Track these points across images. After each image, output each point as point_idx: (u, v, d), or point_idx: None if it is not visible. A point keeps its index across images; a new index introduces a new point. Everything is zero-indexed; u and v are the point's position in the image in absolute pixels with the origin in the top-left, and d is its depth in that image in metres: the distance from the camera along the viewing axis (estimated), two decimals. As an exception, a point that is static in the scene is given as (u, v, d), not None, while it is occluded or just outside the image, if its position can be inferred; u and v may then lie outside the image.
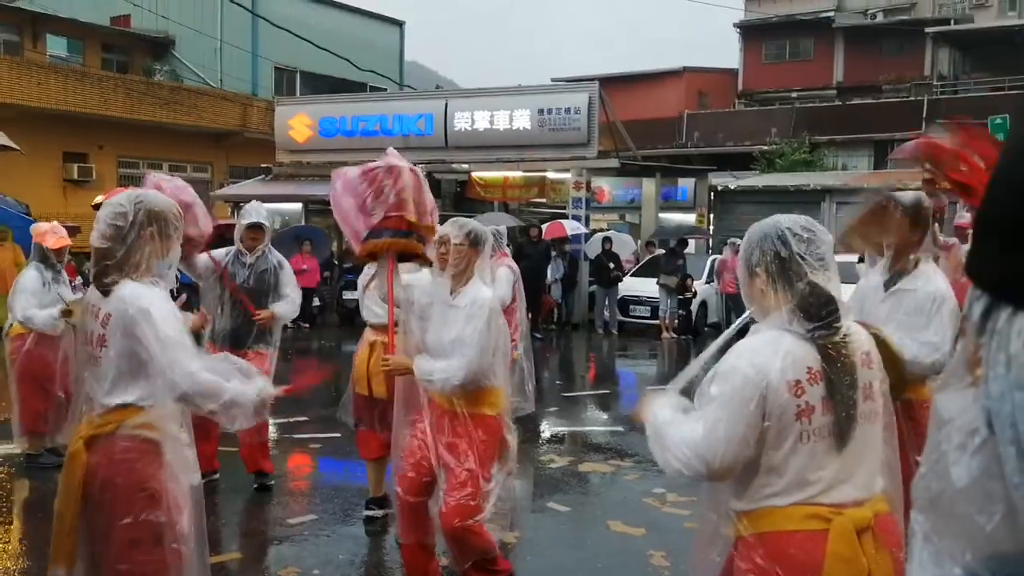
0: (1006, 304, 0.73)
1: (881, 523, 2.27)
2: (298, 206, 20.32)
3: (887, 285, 3.78)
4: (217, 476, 6.23)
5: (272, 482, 6.30)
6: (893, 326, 3.45)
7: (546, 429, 8.68)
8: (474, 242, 4.10)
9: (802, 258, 2.29)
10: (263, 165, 21.63)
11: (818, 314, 2.27)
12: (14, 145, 15.96)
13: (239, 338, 5.99)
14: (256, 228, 6.18)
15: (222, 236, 6.83)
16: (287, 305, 6.23)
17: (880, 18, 33.60)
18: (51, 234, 6.59)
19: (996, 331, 0.73)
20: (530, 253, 15.72)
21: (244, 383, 2.98)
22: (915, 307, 3.64)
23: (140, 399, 2.89)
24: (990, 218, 0.76)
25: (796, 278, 2.29)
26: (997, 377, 0.73)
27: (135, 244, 2.94)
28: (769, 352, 2.25)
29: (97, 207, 12.95)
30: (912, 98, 28.05)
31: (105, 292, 2.94)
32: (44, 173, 20.28)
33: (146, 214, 2.97)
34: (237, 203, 21.52)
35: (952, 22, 31.48)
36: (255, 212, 6.24)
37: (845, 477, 2.25)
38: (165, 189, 4.79)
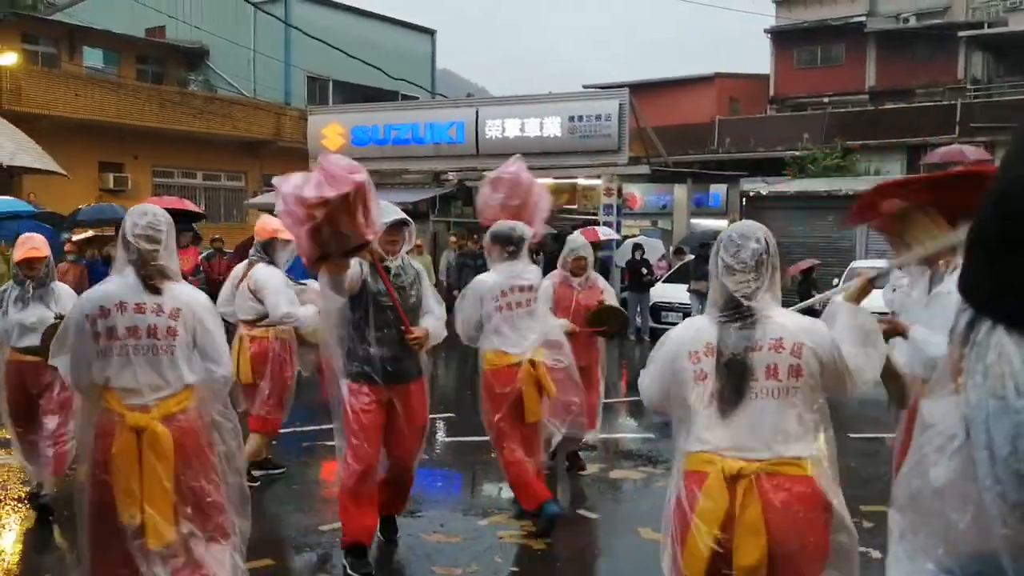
0: (987, 318, 0.77)
1: (773, 481, 2.79)
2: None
3: (928, 290, 3.82)
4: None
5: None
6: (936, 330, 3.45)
7: (577, 436, 8.65)
8: None
9: (725, 263, 2.92)
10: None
11: (724, 305, 2.91)
12: (61, 170, 16.26)
13: (401, 369, 4.80)
14: (396, 228, 4.86)
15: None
16: (435, 321, 5.00)
17: (912, 22, 33.25)
18: (18, 248, 5.60)
19: (977, 343, 0.77)
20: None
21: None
22: (950, 310, 3.69)
23: (194, 380, 3.56)
24: (978, 237, 0.80)
25: (717, 277, 2.94)
26: (975, 386, 0.78)
27: (169, 249, 3.59)
28: (683, 329, 3.05)
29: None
30: (945, 102, 27.73)
31: (157, 291, 3.51)
32: (81, 183, 20.60)
33: (170, 225, 3.60)
34: (271, 211, 21.73)
35: (986, 25, 31.10)
36: (391, 209, 4.87)
37: (730, 436, 2.84)
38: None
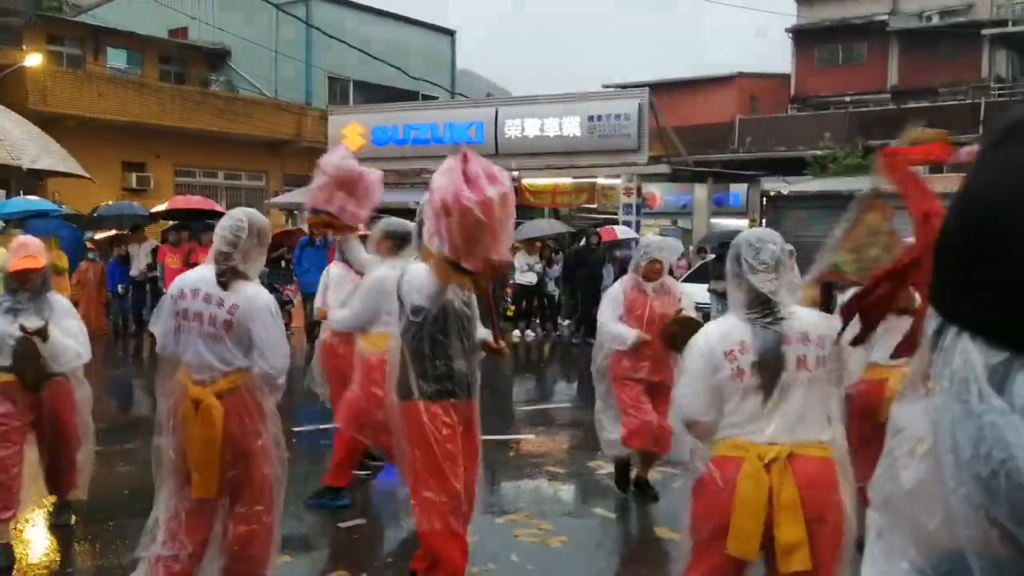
0: (953, 325, 0.80)
1: (799, 462, 3.04)
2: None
3: None
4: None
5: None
6: None
7: (595, 435, 8.67)
8: None
9: (748, 263, 3.13)
10: (316, 173, 21.92)
11: (752, 304, 3.12)
12: (84, 173, 16.46)
13: (475, 383, 4.37)
14: None
15: (279, 244, 6.89)
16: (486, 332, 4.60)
17: (936, 20, 33.02)
18: (12, 255, 4.96)
19: (943, 348, 0.80)
20: (589, 259, 15.77)
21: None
22: None
23: (249, 365, 3.90)
24: (943, 245, 0.83)
25: (743, 278, 3.14)
26: (941, 391, 0.80)
27: (248, 253, 3.94)
28: (714, 331, 3.20)
29: (158, 215, 13.25)
30: (969, 101, 27.50)
31: (225, 287, 3.88)
32: (104, 182, 20.81)
33: (256, 233, 3.93)
34: (291, 211, 21.91)
35: (1010, 23, 30.82)
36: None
37: (766, 424, 3.05)
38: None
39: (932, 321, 0.85)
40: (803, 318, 3.12)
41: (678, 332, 5.52)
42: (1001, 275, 0.76)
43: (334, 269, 7.03)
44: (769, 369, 3.06)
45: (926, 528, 0.81)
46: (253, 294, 3.93)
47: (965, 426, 0.76)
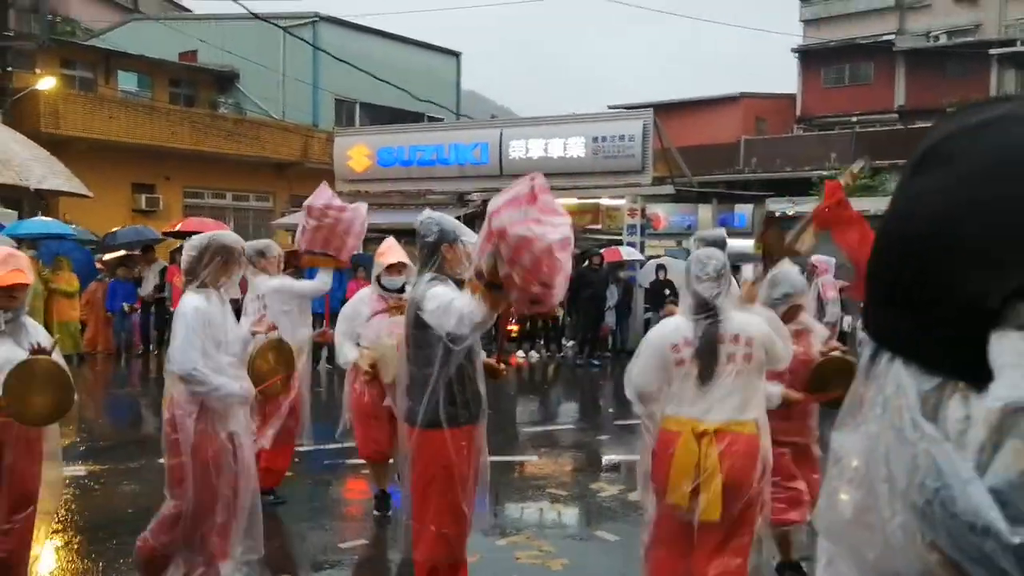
0: (886, 350, 0.80)
1: (725, 436, 3.86)
2: (357, 234, 20.64)
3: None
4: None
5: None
6: None
7: (598, 457, 8.68)
8: None
9: (695, 275, 3.92)
10: (323, 194, 22.01)
11: (697, 308, 3.91)
12: (88, 192, 16.58)
13: (479, 411, 4.25)
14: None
15: (286, 264, 6.94)
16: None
17: (943, 40, 33.07)
18: (1, 265, 4.06)
19: (876, 375, 0.80)
20: (592, 280, 15.76)
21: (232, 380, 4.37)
22: None
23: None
24: (873, 273, 0.83)
25: (691, 286, 3.94)
26: (875, 418, 0.80)
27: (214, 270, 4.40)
28: (663, 327, 4.14)
29: (169, 234, 13.37)
30: (977, 121, 27.46)
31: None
32: (114, 203, 20.96)
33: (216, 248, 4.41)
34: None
35: (1019, 43, 30.84)
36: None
37: (701, 404, 3.88)
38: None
39: (867, 348, 0.85)
40: (738, 321, 3.91)
41: (828, 378, 4.65)
42: (930, 298, 0.76)
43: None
44: (705, 361, 3.86)
45: (866, 558, 0.81)
46: (181, 303, 4.42)
47: (899, 454, 0.76)
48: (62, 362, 4.19)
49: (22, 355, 4.00)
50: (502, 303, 3.70)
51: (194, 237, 4.59)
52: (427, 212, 4.32)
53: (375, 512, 6.23)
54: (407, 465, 4.19)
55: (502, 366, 4.46)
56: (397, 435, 5.09)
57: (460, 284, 4.03)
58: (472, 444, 4.15)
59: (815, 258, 11.11)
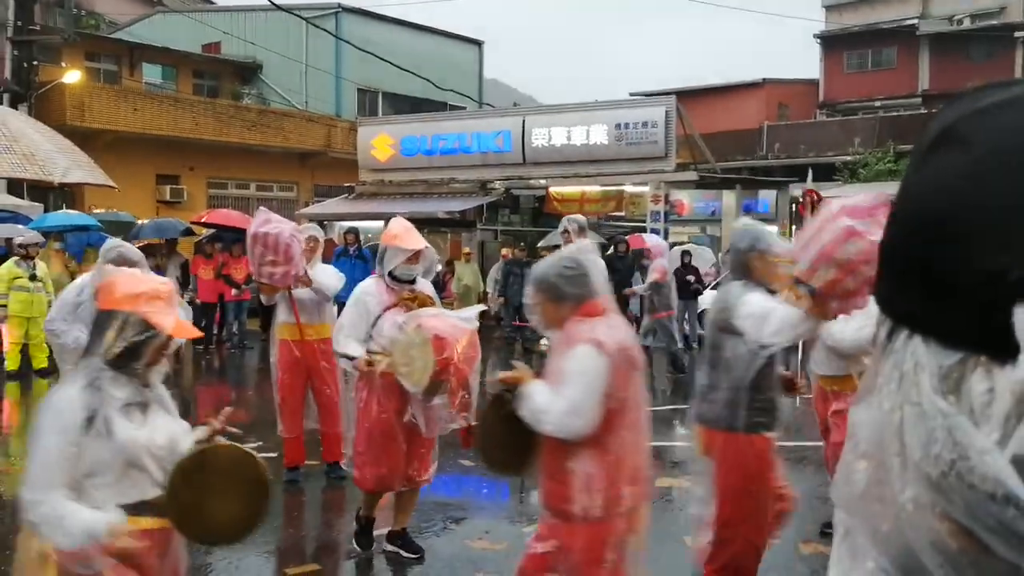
0: (905, 328, 0.82)
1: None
2: (380, 223, 20.74)
3: None
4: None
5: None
6: None
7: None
8: None
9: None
10: (346, 184, 22.15)
11: None
12: (111, 183, 16.72)
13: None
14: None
15: None
16: None
17: (967, 24, 32.65)
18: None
19: (894, 351, 0.82)
20: (619, 268, 15.75)
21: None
22: None
23: None
24: (888, 251, 0.85)
25: None
26: (889, 393, 0.81)
27: None
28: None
29: (196, 222, 13.56)
30: (1004, 104, 27.13)
31: None
32: (139, 194, 21.16)
33: None
34: (321, 222, 22.08)
35: (1045, 25, 30.43)
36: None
37: None
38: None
39: (883, 325, 0.87)
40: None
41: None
42: (950, 275, 0.77)
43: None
44: None
45: (880, 530, 0.82)
46: None
47: (915, 428, 0.77)
48: (249, 450, 2.89)
49: (180, 430, 2.89)
50: (826, 311, 3.53)
51: None
52: (744, 220, 4.45)
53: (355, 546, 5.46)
54: (711, 470, 4.17)
55: (802, 382, 4.47)
56: (417, 458, 5.14)
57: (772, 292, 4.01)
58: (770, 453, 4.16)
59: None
